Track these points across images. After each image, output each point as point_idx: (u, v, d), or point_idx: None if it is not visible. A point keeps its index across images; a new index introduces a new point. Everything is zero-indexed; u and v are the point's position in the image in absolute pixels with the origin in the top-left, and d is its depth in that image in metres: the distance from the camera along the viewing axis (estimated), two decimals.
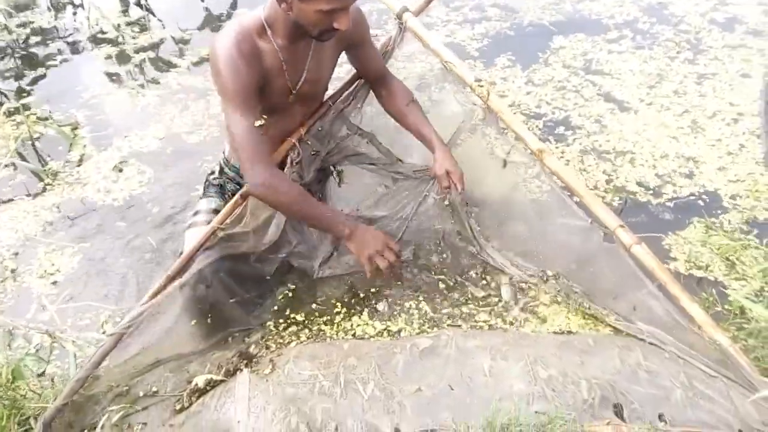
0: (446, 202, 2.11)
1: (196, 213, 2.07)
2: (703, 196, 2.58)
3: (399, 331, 1.88)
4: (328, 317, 1.96)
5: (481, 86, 2.01)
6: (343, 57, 2.05)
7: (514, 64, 3.43)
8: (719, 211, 2.50)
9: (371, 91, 2.15)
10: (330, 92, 2.14)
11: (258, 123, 1.72)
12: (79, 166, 2.91)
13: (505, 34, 3.72)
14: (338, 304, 2.01)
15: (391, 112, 2.10)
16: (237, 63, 1.67)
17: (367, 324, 1.92)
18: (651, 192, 2.63)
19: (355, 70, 2.14)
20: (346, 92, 2.15)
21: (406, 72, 2.31)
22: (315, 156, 2.09)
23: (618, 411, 1.53)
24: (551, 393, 1.54)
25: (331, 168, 2.24)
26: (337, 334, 1.86)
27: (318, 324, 1.92)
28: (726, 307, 2.06)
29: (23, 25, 4.02)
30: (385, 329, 1.90)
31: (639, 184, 2.66)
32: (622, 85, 3.26)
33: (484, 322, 1.93)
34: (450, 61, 2.06)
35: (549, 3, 3.98)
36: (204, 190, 2.18)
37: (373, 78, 2.10)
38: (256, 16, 1.75)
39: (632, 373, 1.59)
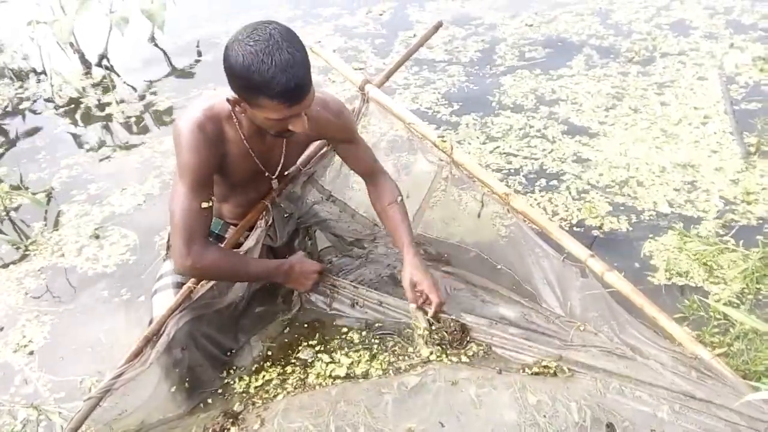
0: (426, 317, 1.88)
1: (160, 277, 2.02)
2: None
3: (366, 373, 1.85)
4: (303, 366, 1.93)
5: (444, 141, 2.09)
6: None
7: (478, 120, 3.29)
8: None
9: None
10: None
11: (205, 205, 1.69)
12: (55, 230, 2.88)
13: (468, 89, 3.60)
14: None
15: (375, 208, 2.10)
16: (198, 142, 1.64)
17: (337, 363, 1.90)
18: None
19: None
20: (316, 156, 2.17)
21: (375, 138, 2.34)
22: (288, 218, 2.11)
23: (611, 431, 1.52)
24: (543, 420, 1.53)
25: (305, 232, 2.27)
26: (324, 381, 1.84)
27: (297, 374, 1.88)
28: (710, 312, 2.07)
29: None
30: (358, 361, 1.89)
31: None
32: (580, 110, 3.26)
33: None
34: (412, 122, 2.15)
35: (518, 40, 3.95)
36: (167, 250, 2.15)
37: (362, 174, 2.09)
38: (225, 102, 1.68)
39: (618, 391, 1.59)
